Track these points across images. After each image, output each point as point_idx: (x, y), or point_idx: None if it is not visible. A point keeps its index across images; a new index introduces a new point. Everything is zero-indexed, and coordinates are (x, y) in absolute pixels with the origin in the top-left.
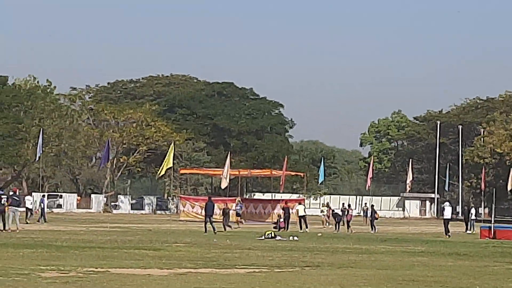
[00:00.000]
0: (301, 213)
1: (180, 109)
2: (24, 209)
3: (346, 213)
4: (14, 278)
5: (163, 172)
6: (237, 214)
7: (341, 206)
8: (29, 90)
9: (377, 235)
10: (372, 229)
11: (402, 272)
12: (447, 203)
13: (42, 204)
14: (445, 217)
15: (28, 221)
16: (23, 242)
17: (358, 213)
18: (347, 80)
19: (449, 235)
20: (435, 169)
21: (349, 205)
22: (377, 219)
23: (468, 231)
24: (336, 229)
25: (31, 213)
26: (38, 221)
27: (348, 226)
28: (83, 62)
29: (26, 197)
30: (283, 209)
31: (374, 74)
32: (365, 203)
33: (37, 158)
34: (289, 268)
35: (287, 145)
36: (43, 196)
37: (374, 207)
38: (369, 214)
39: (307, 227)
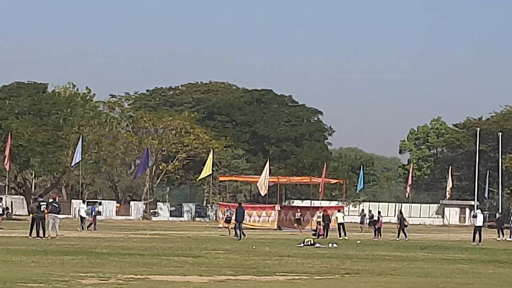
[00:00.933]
0: (340, 220)
1: (219, 116)
2: (63, 216)
3: (377, 220)
4: (54, 285)
5: (201, 176)
6: (226, 221)
7: (370, 213)
8: (68, 97)
9: (415, 242)
10: (398, 235)
11: (442, 279)
12: (478, 211)
13: (93, 212)
14: (476, 225)
15: (78, 229)
16: (63, 249)
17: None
18: (386, 87)
19: (479, 243)
20: (474, 176)
21: (379, 212)
22: (406, 226)
23: (503, 238)
24: (375, 236)
25: (84, 221)
26: (89, 228)
27: (380, 233)
28: (122, 69)
29: (81, 205)
30: (322, 216)
31: (413, 81)
32: (400, 211)
33: (73, 165)
34: (329, 275)
35: (326, 152)
36: (95, 204)
37: (403, 214)
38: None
39: (345, 234)
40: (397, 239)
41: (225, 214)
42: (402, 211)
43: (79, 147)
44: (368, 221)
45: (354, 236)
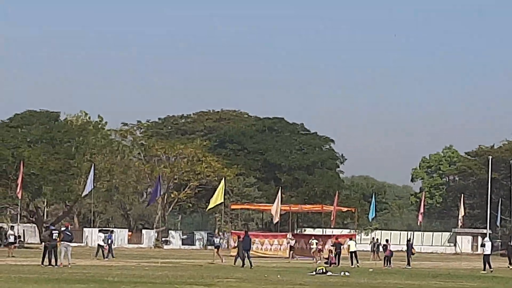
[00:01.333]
0: (353, 248)
1: (230, 144)
2: (75, 244)
3: (385, 248)
4: None
5: (212, 205)
6: (216, 247)
7: (377, 241)
8: (80, 125)
9: (427, 271)
10: (408, 263)
11: None
12: (487, 239)
13: (109, 240)
14: (485, 253)
15: (94, 257)
16: (75, 277)
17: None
18: (398, 116)
19: (491, 270)
20: (486, 204)
21: (386, 240)
22: (413, 254)
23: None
24: (385, 264)
25: (103, 250)
26: (107, 257)
27: (389, 262)
28: (134, 98)
29: (98, 234)
30: (334, 244)
31: (425, 109)
32: (407, 239)
33: (85, 193)
34: None
35: (338, 180)
36: (111, 232)
37: (411, 242)
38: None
39: (357, 262)
40: (407, 267)
41: (214, 240)
42: (411, 239)
43: (91, 176)
44: (382, 249)
45: (366, 265)
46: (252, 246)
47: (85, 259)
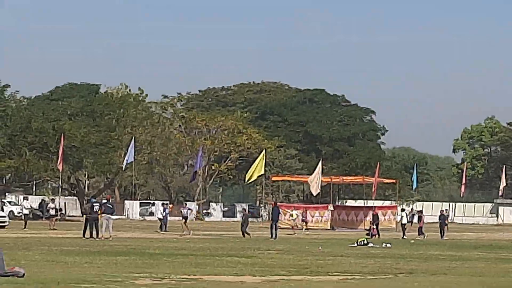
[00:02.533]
0: (404, 221)
1: (271, 116)
2: (116, 217)
3: (419, 219)
4: (107, 286)
5: (253, 178)
6: (183, 218)
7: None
8: (121, 98)
9: (469, 242)
10: (443, 235)
11: (496, 279)
12: None
13: (164, 213)
14: None
15: (159, 231)
16: (116, 250)
17: (451, 220)
18: (439, 86)
19: None
20: None
21: (420, 211)
22: (446, 225)
23: None
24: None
25: (162, 222)
26: (165, 230)
27: (421, 233)
28: (174, 70)
29: (159, 208)
30: (373, 216)
31: (467, 80)
32: (441, 210)
33: (124, 166)
34: (382, 275)
35: (379, 151)
36: (165, 205)
37: (446, 214)
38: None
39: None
40: (444, 239)
41: (182, 212)
42: (444, 210)
43: (131, 148)
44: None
45: (408, 236)
46: (280, 217)
47: (126, 232)
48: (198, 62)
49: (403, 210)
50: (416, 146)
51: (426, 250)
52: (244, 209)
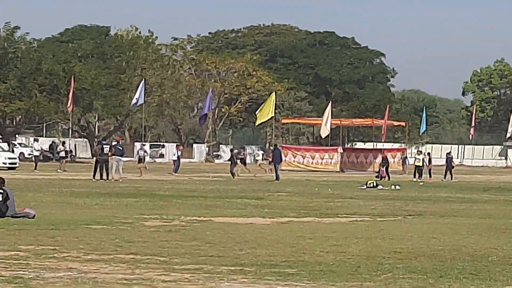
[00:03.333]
0: (418, 163)
1: (281, 58)
2: (126, 158)
3: (429, 161)
4: (118, 227)
5: (263, 120)
6: (139, 160)
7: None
8: (131, 40)
9: (478, 184)
10: (444, 177)
11: (504, 221)
12: None
13: (176, 154)
14: None
15: (172, 173)
16: (126, 192)
17: (460, 162)
18: (449, 29)
19: None
20: None
21: (428, 154)
22: (453, 167)
23: None
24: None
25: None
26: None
27: (431, 175)
28: (184, 12)
29: (173, 150)
30: (382, 158)
31: (476, 22)
32: (447, 152)
33: (133, 103)
34: (392, 217)
35: (388, 94)
36: (177, 146)
37: (450, 156)
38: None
39: (415, 177)
40: (443, 180)
41: (138, 153)
42: (450, 152)
43: (142, 89)
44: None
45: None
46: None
47: (136, 174)
48: (208, 4)
49: (420, 152)
50: (425, 89)
51: (435, 192)
52: (232, 150)
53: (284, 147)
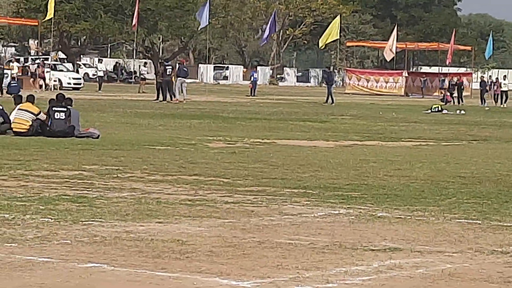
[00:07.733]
0: (504, 88)
1: None
2: (190, 80)
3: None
4: (181, 148)
5: (325, 41)
6: (141, 79)
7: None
8: None
9: None
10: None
11: None
12: None
13: (252, 78)
14: None
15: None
16: (190, 113)
17: None
18: None
19: None
20: None
21: (496, 79)
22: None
23: None
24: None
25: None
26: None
27: (496, 100)
28: None
29: (253, 73)
30: (448, 84)
31: None
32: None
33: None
34: (456, 141)
35: (455, 18)
36: (254, 69)
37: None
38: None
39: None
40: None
41: (141, 72)
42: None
43: (207, 10)
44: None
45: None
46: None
47: (200, 95)
48: None
49: (497, 80)
50: (493, 13)
51: (500, 118)
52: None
53: (348, 70)
